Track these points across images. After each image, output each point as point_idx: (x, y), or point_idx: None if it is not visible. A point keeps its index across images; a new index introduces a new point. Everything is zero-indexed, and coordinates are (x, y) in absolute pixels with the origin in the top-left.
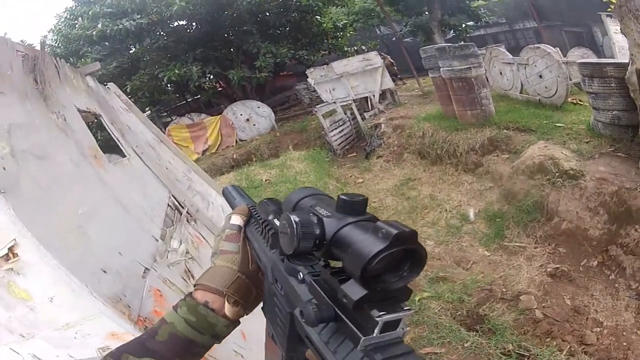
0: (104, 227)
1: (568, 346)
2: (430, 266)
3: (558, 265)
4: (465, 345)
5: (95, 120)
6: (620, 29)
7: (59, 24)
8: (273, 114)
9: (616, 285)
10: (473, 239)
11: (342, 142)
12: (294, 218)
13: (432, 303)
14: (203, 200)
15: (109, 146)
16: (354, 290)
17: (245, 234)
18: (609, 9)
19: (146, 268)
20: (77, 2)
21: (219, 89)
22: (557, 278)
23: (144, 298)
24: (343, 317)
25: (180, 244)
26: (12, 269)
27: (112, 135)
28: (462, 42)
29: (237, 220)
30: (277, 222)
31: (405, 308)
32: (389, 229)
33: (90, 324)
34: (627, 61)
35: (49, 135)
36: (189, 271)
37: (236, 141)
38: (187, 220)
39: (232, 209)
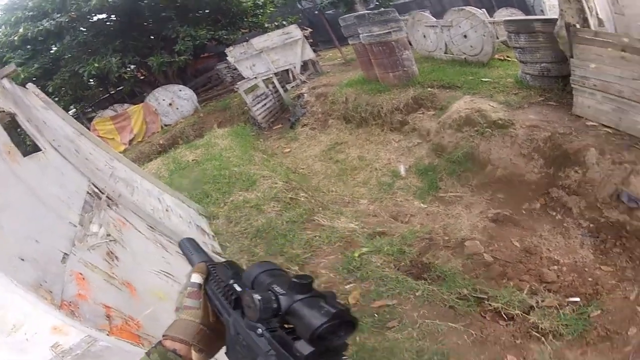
0: (18, 218)
1: (527, 285)
2: (367, 223)
3: (499, 211)
4: (417, 294)
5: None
6: None
7: None
8: (195, 95)
9: (564, 224)
10: (407, 193)
11: (266, 115)
12: (256, 296)
13: (373, 257)
14: (127, 186)
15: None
16: (304, 348)
17: (205, 290)
18: None
19: (65, 253)
20: (3, 12)
21: (141, 77)
22: (500, 223)
23: (65, 282)
24: None
25: (100, 227)
26: None
27: (26, 131)
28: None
29: (197, 278)
30: (237, 287)
31: (343, 358)
32: (329, 309)
33: (32, 321)
34: (556, 17)
35: None
36: (112, 253)
37: (161, 127)
38: (109, 205)
39: (190, 262)
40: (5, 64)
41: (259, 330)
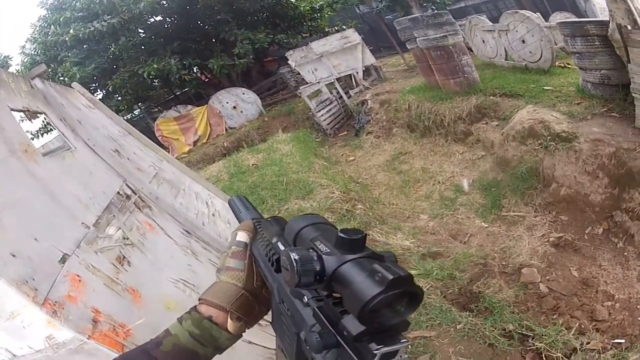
0: (22, 216)
1: (577, 323)
2: (424, 242)
3: (561, 234)
4: (458, 327)
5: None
6: None
7: (35, 32)
8: (259, 99)
9: (625, 253)
10: (469, 210)
11: (331, 121)
12: (294, 256)
13: (420, 282)
14: (172, 188)
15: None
16: (353, 325)
17: (251, 250)
18: None
19: (66, 254)
20: (49, 11)
21: (205, 79)
22: (561, 248)
23: (56, 282)
24: (345, 345)
25: (117, 230)
26: None
27: (57, 129)
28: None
29: (243, 237)
30: (280, 246)
31: (402, 340)
32: (385, 274)
33: (28, 312)
34: (608, 19)
35: None
36: (124, 257)
37: (226, 129)
38: (139, 207)
39: (239, 221)
40: (62, 62)
41: (305, 299)
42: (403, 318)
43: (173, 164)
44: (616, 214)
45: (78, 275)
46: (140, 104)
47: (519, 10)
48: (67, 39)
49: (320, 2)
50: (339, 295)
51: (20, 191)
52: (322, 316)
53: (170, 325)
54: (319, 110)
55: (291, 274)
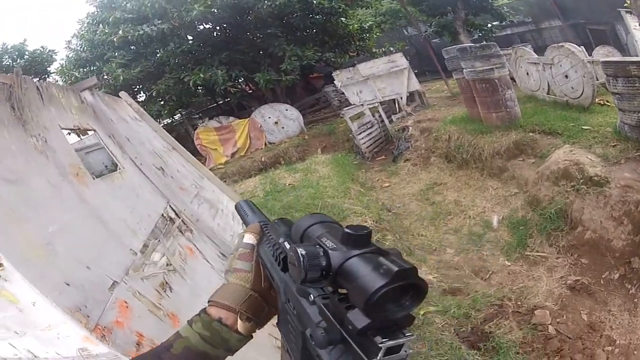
0: (75, 243)
1: None
2: (446, 277)
3: (579, 278)
4: None
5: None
6: None
7: (82, 29)
8: (301, 116)
9: (635, 300)
10: (495, 247)
11: (370, 145)
12: (301, 251)
13: (437, 318)
14: (211, 208)
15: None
16: (358, 319)
17: (258, 252)
18: (626, 4)
19: (115, 281)
20: (98, 8)
21: (249, 91)
22: (577, 291)
23: (106, 309)
24: (350, 340)
25: (162, 257)
26: (0, 276)
27: (106, 148)
28: (485, 42)
29: (249, 239)
30: (287, 245)
31: (406, 334)
32: (390, 266)
33: (68, 327)
34: None
35: (26, 160)
36: (167, 283)
37: (265, 144)
38: (182, 231)
39: (245, 224)
40: (108, 62)
41: (311, 297)
42: (408, 312)
43: (213, 182)
44: (634, 260)
45: (126, 302)
46: (181, 109)
47: (565, 44)
48: (115, 39)
49: (370, 23)
50: (345, 292)
51: (72, 217)
52: (327, 313)
53: (180, 328)
54: (360, 133)
55: (298, 270)
